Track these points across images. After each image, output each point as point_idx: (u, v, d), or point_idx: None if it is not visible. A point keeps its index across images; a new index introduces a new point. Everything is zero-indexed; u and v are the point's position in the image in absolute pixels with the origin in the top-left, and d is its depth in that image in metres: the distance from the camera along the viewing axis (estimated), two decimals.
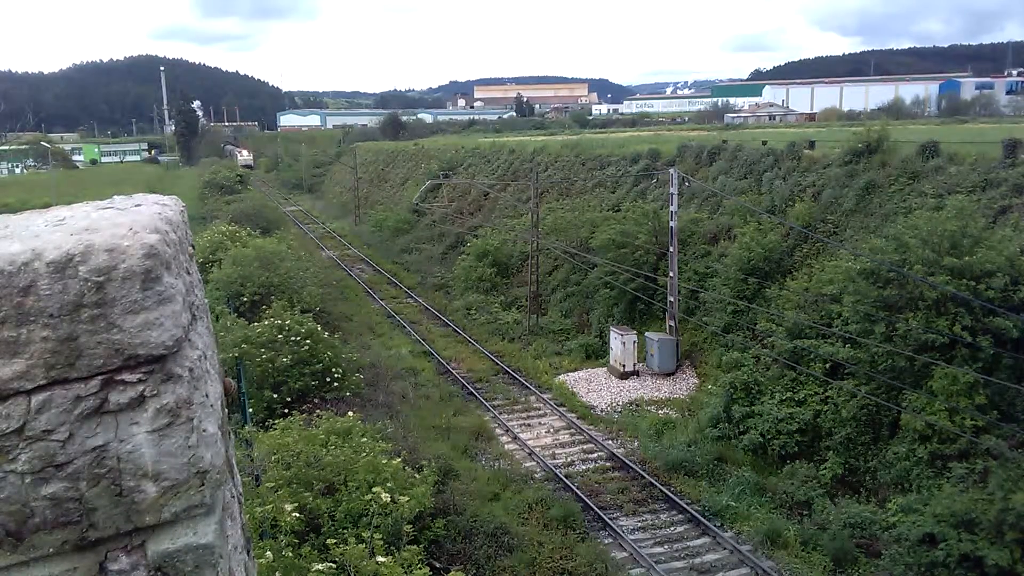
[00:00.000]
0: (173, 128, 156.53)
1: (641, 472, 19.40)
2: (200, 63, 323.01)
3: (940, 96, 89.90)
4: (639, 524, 17.46)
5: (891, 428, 18.38)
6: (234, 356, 18.70)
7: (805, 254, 24.45)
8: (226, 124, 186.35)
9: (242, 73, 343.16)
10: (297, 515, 9.61)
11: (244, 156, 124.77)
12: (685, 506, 17.91)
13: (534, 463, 20.51)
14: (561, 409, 23.95)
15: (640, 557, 15.96)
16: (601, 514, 17.56)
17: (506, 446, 21.56)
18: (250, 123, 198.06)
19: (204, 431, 1.39)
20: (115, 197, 1.57)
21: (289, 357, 20.65)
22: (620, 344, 25.88)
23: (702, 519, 17.31)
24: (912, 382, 17.70)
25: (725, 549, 16.41)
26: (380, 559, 8.80)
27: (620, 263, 28.28)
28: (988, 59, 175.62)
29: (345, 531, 10.62)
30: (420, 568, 9.70)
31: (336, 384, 21.24)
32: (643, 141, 43.03)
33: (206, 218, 52.17)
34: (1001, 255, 17.18)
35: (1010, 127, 33.08)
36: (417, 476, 13.72)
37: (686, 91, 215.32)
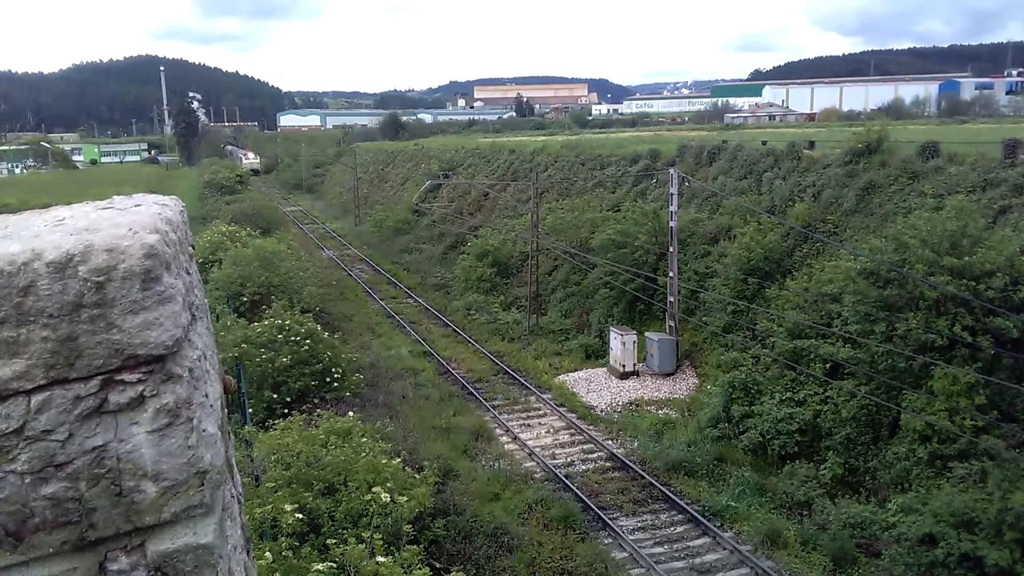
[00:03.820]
0: (172, 128, 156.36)
1: (641, 472, 19.40)
2: (200, 63, 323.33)
3: (940, 96, 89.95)
4: (639, 524, 17.45)
5: (891, 428, 18.37)
6: (234, 356, 18.71)
7: (805, 254, 24.44)
8: (226, 124, 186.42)
9: (242, 73, 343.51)
10: (299, 516, 9.62)
11: (250, 158, 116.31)
12: (685, 506, 17.90)
13: (534, 463, 20.51)
14: (561, 409, 23.95)
15: (640, 557, 15.95)
16: (601, 514, 17.55)
17: (506, 446, 21.56)
18: (250, 123, 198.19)
19: (204, 431, 1.39)
20: (115, 197, 1.57)
21: (289, 357, 20.67)
22: (620, 344, 25.88)
23: (702, 519, 17.31)
24: (912, 382, 17.70)
25: (725, 549, 16.40)
26: (380, 559, 8.80)
27: (620, 263, 28.28)
28: (988, 59, 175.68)
29: (345, 531, 10.62)
30: (420, 568, 9.71)
31: (336, 384, 21.26)
32: (643, 141, 43.03)
33: (206, 218, 52.16)
34: (1001, 255, 17.18)
35: (1010, 127, 33.07)
36: (417, 476, 13.73)
37: (686, 91, 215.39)
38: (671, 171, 27.19)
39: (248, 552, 1.77)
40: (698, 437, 20.70)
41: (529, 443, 21.61)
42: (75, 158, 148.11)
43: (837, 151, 26.78)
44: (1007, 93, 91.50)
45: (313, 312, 26.82)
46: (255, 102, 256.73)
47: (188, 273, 1.48)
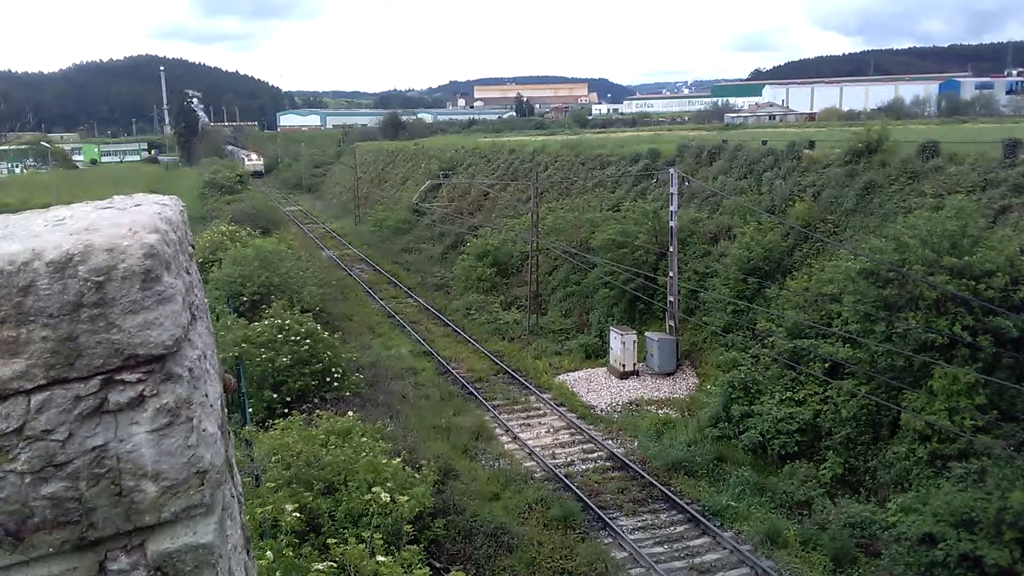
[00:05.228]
0: (172, 128, 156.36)
1: (641, 472, 19.40)
2: (200, 63, 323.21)
3: (940, 96, 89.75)
4: (639, 524, 17.46)
5: (891, 428, 18.37)
6: (234, 356, 18.72)
7: (805, 254, 24.45)
8: (226, 124, 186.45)
9: (242, 73, 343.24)
10: (297, 515, 9.62)
11: (253, 160, 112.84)
12: (685, 506, 17.91)
13: (534, 463, 20.51)
14: (561, 409, 23.95)
15: (640, 557, 15.96)
16: (601, 514, 17.55)
17: (506, 446, 21.56)
18: (250, 123, 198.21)
19: (204, 431, 1.39)
20: (115, 197, 1.57)
21: (289, 357, 20.68)
22: (620, 344, 25.88)
23: (702, 519, 17.31)
24: (912, 382, 17.70)
25: (725, 549, 16.41)
26: (380, 559, 8.79)
27: (620, 263, 28.28)
28: (988, 59, 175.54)
29: (345, 531, 10.63)
30: (420, 568, 9.70)
31: (336, 384, 21.27)
32: (643, 141, 43.03)
33: (206, 218, 52.22)
34: (1001, 255, 17.18)
35: (1010, 127, 33.07)
36: (417, 476, 13.74)
37: (686, 91, 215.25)
38: (671, 171, 27.19)
39: (248, 552, 1.77)
40: (698, 437, 20.70)
41: (529, 443, 21.61)
42: (75, 158, 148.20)
43: (837, 151, 26.79)
44: (1007, 93, 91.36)
45: (313, 312, 26.81)
46: (255, 102, 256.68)
47: (188, 273, 1.48)
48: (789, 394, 20.34)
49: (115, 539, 1.35)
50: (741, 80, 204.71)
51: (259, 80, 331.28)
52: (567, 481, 19.03)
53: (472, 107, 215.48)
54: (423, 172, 61.57)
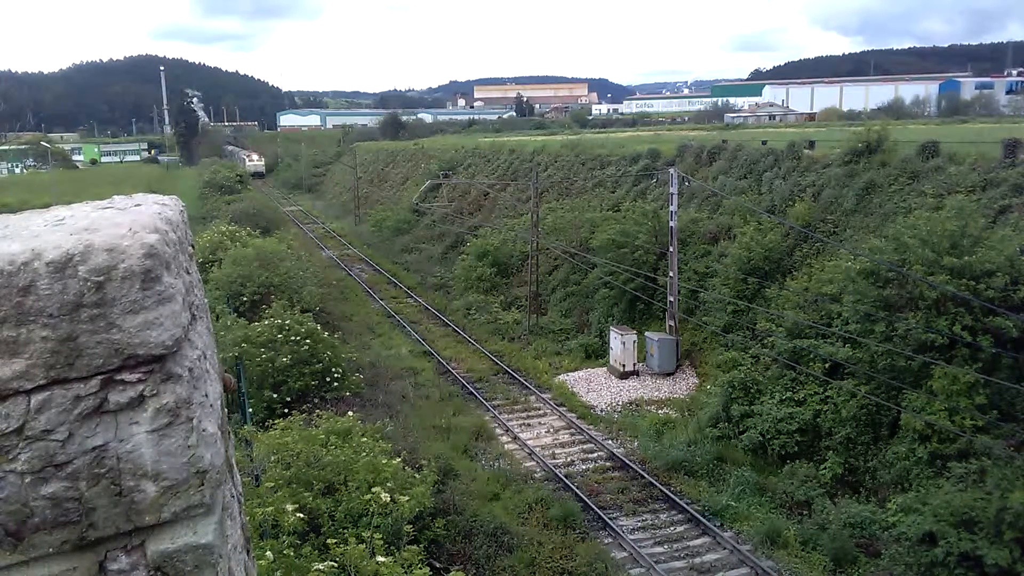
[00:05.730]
0: (172, 128, 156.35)
1: (641, 472, 19.40)
2: (200, 63, 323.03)
3: (940, 96, 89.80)
4: (639, 524, 17.46)
5: (891, 428, 18.37)
6: (234, 356, 18.72)
7: (805, 254, 24.44)
8: (226, 124, 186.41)
9: (242, 73, 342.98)
10: (299, 515, 9.61)
11: (254, 160, 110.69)
12: (685, 506, 17.91)
13: (534, 463, 20.51)
14: (561, 409, 23.94)
15: (640, 557, 15.96)
16: (601, 514, 17.55)
17: (506, 446, 21.56)
18: (250, 123, 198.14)
19: (204, 431, 1.39)
20: (115, 197, 1.57)
21: (289, 357, 20.68)
22: (620, 344, 25.88)
23: (702, 519, 17.31)
24: (912, 382, 17.70)
25: (725, 549, 16.41)
26: (380, 559, 8.79)
27: (620, 263, 28.28)
28: (988, 59, 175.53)
29: (345, 531, 10.62)
30: (420, 568, 9.69)
31: (336, 384, 21.28)
32: (643, 141, 43.05)
33: (206, 218, 52.20)
34: (1001, 255, 17.18)
35: (1010, 127, 33.06)
36: (417, 476, 13.73)
37: (686, 91, 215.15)
38: (671, 171, 27.19)
39: (248, 552, 1.77)
40: (698, 437, 20.69)
41: (529, 443, 21.61)
42: (75, 158, 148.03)
43: (837, 151, 26.77)
44: (1007, 93, 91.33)
45: (313, 312, 26.82)
46: (255, 102, 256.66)
47: (188, 273, 1.48)
48: (789, 394, 20.33)
49: (115, 539, 1.35)
50: (741, 80, 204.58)
51: (259, 80, 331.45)
52: (567, 481, 19.03)
53: (472, 107, 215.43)
54: (423, 172, 61.57)
